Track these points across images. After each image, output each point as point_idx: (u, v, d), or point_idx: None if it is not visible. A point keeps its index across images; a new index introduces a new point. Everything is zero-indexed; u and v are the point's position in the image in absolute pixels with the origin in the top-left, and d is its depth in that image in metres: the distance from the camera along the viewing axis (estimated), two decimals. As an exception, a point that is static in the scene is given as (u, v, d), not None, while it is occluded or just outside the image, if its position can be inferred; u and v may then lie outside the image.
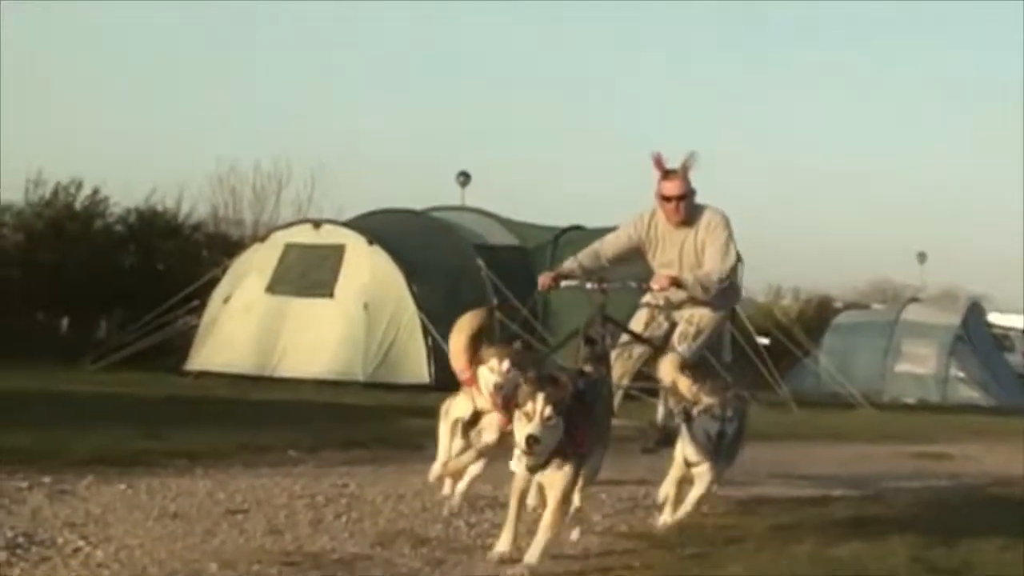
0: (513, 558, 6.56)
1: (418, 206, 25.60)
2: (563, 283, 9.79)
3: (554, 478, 6.58)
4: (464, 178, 36.41)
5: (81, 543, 6.56)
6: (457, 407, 7.79)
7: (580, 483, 6.86)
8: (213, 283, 22.66)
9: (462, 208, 25.65)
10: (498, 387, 7.47)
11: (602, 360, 8.35)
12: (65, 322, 25.83)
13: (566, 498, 6.64)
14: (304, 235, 22.45)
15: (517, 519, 6.73)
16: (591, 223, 24.74)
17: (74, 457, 9.04)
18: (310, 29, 46.63)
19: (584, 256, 9.83)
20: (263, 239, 23.29)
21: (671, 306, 9.64)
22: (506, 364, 7.51)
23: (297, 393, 18.36)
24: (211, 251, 26.12)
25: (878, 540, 7.60)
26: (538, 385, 6.54)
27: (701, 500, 8.06)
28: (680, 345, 9.46)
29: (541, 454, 6.48)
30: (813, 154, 59.53)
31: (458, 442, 7.78)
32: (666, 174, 9.52)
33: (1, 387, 15.03)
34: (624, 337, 9.73)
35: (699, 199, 9.58)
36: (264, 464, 9.75)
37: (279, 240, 22.59)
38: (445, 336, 18.62)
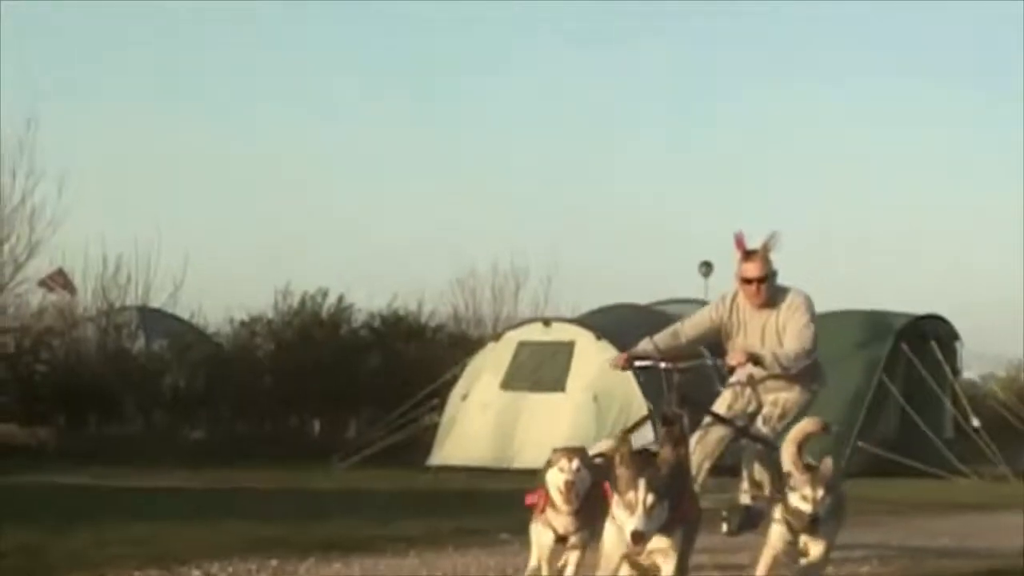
0: None
1: (660, 297, 26.58)
2: (637, 363, 9.60)
3: (663, 544, 6.41)
4: (706, 268, 36.96)
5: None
6: (542, 541, 7.72)
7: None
8: (453, 381, 23.77)
9: (687, 300, 26.37)
10: (569, 484, 7.35)
11: (681, 442, 8.18)
12: (317, 424, 27.14)
13: (681, 560, 6.49)
14: (535, 333, 23.49)
15: None
16: (824, 307, 25.58)
17: (303, 543, 10.11)
18: (542, 120, 47.72)
19: (661, 337, 9.68)
20: (497, 338, 24.37)
21: (754, 384, 9.45)
22: (576, 463, 7.42)
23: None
24: (453, 350, 27.15)
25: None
26: (638, 469, 6.27)
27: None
28: (764, 427, 9.35)
29: (647, 544, 6.26)
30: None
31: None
32: (746, 255, 9.40)
33: (251, 486, 16.37)
34: (706, 419, 9.54)
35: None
36: (475, 545, 10.70)
37: (512, 339, 23.65)
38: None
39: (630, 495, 6.17)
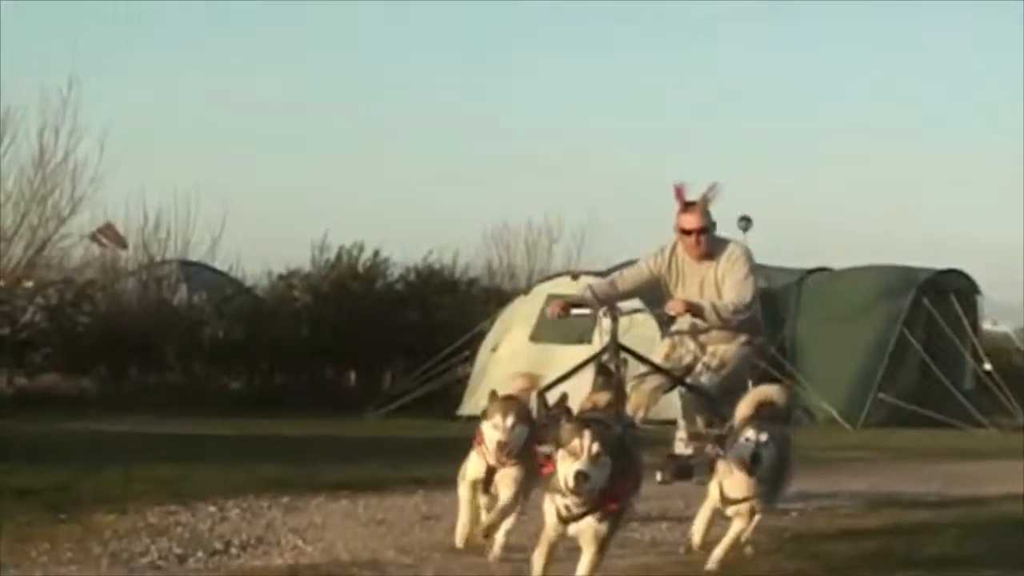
0: None
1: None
2: (574, 311, 9.52)
3: (590, 531, 6.27)
4: (745, 223, 37.25)
5: (298, 542, 8.31)
6: (471, 468, 7.68)
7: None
8: (484, 334, 24.37)
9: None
10: (502, 445, 7.32)
11: (616, 391, 8.32)
12: (352, 375, 27.68)
13: (601, 551, 6.34)
14: (563, 287, 23.86)
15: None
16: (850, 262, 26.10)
17: (317, 484, 10.71)
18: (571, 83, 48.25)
19: (599, 285, 9.75)
20: (527, 292, 24.97)
21: (695, 332, 9.42)
22: (510, 420, 7.32)
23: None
24: (487, 303, 27.58)
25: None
26: (583, 422, 6.26)
27: (739, 537, 7.67)
28: (703, 377, 9.29)
29: (590, 492, 6.12)
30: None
31: (482, 501, 7.71)
32: (685, 206, 9.30)
33: (281, 432, 17.03)
34: (642, 368, 9.44)
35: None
36: (480, 487, 11.28)
37: (541, 292, 24.17)
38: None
39: (575, 443, 6.05)
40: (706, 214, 9.33)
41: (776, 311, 23.89)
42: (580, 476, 5.98)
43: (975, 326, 25.18)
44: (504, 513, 7.48)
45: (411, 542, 8.26)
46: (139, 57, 42.66)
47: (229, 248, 27.36)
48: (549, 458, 6.47)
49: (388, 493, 10.57)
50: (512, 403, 7.51)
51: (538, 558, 6.47)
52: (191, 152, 39.79)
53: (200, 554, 7.86)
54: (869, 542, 8.70)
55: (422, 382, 24.07)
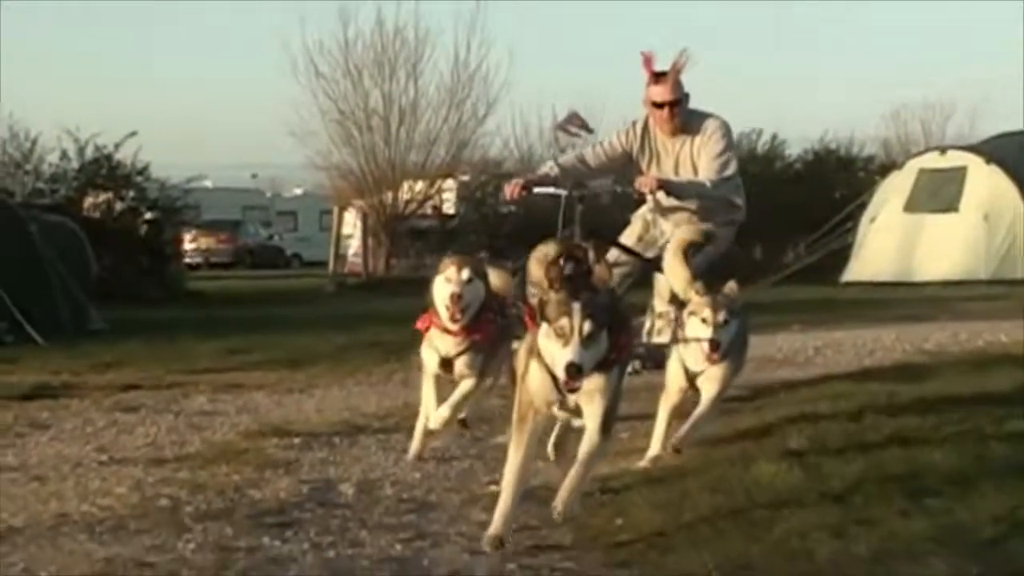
0: None
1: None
2: (537, 190, 8.49)
3: (593, 388, 5.07)
4: None
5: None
6: (427, 362, 6.72)
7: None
8: (865, 205, 26.52)
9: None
10: (455, 297, 6.41)
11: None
12: (758, 249, 29.84)
13: (612, 413, 5.17)
14: (933, 161, 26.03)
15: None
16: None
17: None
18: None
19: (565, 160, 8.79)
20: (900, 167, 26.91)
21: (663, 212, 8.57)
22: (466, 273, 6.45)
23: (919, 292, 21.51)
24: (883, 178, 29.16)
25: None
26: (572, 291, 4.91)
27: (708, 412, 6.61)
28: None
29: (582, 382, 4.96)
30: None
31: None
32: (655, 77, 8.36)
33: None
34: (612, 251, 8.39)
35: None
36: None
37: (913, 167, 26.27)
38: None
39: (563, 321, 4.89)
40: (678, 85, 8.42)
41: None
42: (572, 368, 4.87)
43: None
44: (464, 399, 6.73)
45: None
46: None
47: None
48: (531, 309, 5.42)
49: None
50: (468, 258, 6.71)
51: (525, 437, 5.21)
52: (588, 56, 42.40)
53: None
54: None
55: (811, 252, 26.27)
